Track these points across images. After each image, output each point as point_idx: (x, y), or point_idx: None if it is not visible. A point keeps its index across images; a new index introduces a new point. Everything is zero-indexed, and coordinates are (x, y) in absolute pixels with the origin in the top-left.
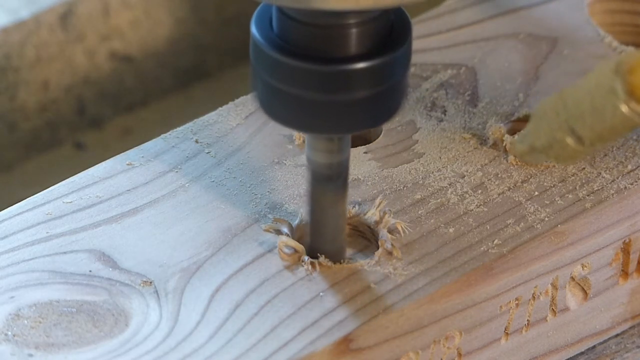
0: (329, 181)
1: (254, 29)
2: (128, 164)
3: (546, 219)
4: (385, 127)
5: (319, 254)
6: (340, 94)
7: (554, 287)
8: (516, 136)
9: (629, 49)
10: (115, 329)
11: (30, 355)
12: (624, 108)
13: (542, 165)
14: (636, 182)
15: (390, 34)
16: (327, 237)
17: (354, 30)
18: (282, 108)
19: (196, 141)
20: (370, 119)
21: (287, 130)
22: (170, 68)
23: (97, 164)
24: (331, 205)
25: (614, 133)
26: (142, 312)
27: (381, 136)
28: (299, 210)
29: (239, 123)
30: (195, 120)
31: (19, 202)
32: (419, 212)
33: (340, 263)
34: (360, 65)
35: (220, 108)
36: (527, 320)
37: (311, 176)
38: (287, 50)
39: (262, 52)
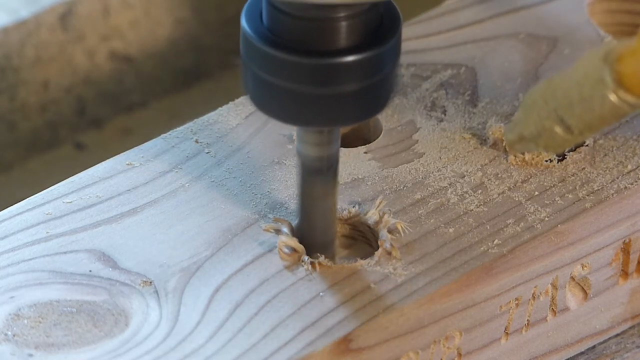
0: (319, 174)
1: (244, 22)
2: (128, 164)
3: (546, 219)
4: (385, 127)
5: (311, 248)
6: (329, 87)
7: (554, 287)
8: (503, 125)
9: None
10: (115, 329)
11: (30, 355)
12: (612, 97)
13: (542, 165)
14: (636, 182)
15: (380, 28)
16: (318, 229)
17: (343, 24)
18: (272, 101)
19: (196, 141)
20: (360, 111)
21: (287, 130)
22: (170, 68)
23: (97, 164)
24: (321, 198)
25: (603, 122)
26: (142, 312)
27: (381, 136)
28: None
29: (239, 123)
30: (195, 120)
31: (19, 202)
32: (419, 212)
33: (333, 259)
34: (350, 58)
35: (220, 108)
36: (527, 320)
37: (301, 168)
38: (277, 44)
39: (252, 45)
